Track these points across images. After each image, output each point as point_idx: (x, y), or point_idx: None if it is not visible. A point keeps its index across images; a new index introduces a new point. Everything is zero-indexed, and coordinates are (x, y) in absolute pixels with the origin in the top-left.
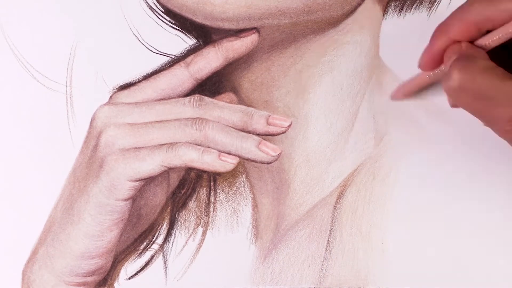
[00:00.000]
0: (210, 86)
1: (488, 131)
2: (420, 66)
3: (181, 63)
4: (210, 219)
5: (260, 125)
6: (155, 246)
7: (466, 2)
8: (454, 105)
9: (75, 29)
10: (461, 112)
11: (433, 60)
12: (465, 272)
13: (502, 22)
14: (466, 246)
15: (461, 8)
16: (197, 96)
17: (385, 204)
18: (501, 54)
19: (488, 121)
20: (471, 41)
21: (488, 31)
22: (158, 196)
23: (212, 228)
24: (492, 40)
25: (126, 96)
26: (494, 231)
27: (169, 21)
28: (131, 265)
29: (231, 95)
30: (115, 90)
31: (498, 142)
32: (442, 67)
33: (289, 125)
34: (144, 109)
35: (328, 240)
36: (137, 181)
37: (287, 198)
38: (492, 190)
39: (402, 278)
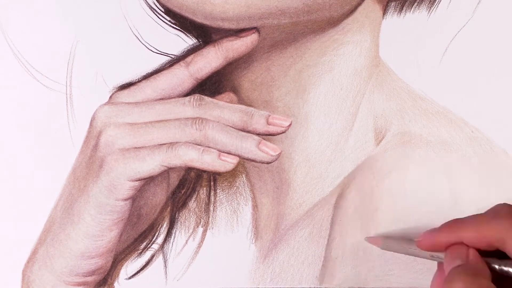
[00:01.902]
0: (210, 86)
1: (487, 125)
2: (419, 244)
3: (181, 62)
4: (210, 219)
5: (260, 125)
6: (155, 246)
7: (488, 212)
8: None
9: (75, 29)
10: (462, 112)
11: (434, 247)
12: None
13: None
14: None
15: (482, 216)
16: (197, 96)
17: (385, 204)
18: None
19: None
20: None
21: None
22: (158, 196)
23: (212, 228)
24: (506, 271)
25: (126, 96)
26: None
27: (169, 21)
28: (131, 265)
29: (231, 95)
30: (115, 90)
31: (497, 137)
32: (442, 255)
33: (289, 125)
34: (144, 109)
35: (328, 240)
36: (137, 181)
37: (287, 198)
38: (493, 189)
39: (402, 278)
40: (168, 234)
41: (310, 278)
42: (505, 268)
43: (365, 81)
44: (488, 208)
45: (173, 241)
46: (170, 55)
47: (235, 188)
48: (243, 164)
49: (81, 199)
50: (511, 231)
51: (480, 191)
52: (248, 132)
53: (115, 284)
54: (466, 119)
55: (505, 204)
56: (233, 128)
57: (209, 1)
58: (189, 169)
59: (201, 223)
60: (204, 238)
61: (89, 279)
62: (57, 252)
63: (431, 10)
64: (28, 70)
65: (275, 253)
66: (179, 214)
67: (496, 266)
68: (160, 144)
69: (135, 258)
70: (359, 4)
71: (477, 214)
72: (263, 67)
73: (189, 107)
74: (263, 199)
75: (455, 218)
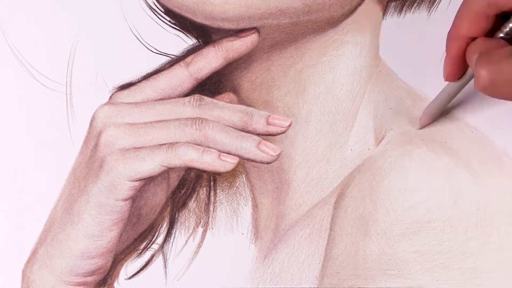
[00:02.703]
0: (210, 86)
1: (487, 125)
2: (446, 78)
3: (181, 63)
4: (210, 219)
5: (260, 125)
6: (155, 246)
7: None
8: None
9: (75, 29)
10: (461, 111)
11: (456, 66)
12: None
13: (506, 1)
14: (469, 245)
15: (462, 4)
16: (197, 96)
17: (385, 204)
18: None
19: None
20: (487, 35)
21: (497, 15)
22: (158, 196)
23: (212, 228)
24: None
25: (126, 96)
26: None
27: (169, 21)
28: (131, 265)
29: (231, 95)
30: (115, 90)
31: (497, 137)
32: (470, 70)
33: (289, 125)
34: (144, 109)
35: (328, 240)
36: (137, 181)
37: (287, 198)
38: (493, 189)
39: (402, 278)
40: (168, 234)
41: (310, 278)
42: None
43: (365, 81)
44: (488, 208)
45: (173, 241)
46: (170, 55)
47: (235, 188)
48: (243, 164)
49: (81, 199)
50: None
51: (480, 191)
52: (248, 132)
53: (115, 284)
54: (466, 119)
55: None
56: (233, 128)
57: (209, 1)
58: (189, 169)
59: (201, 223)
60: (204, 238)
61: (89, 279)
62: (57, 252)
63: (431, 10)
64: (28, 70)
65: (275, 253)
66: (179, 214)
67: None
68: (160, 144)
69: (135, 258)
70: (359, 5)
71: (460, 5)
72: (263, 67)
73: (189, 107)
74: (263, 199)
75: (455, 216)
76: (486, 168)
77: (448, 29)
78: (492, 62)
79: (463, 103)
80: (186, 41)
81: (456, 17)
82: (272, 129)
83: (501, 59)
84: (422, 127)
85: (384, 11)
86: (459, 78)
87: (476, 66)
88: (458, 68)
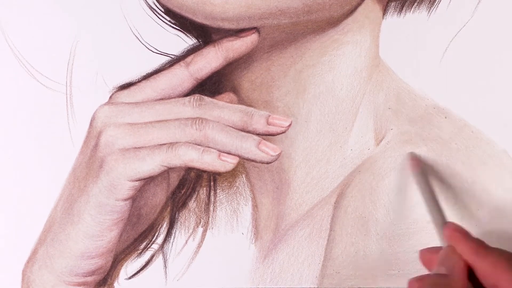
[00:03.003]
0: (210, 86)
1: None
2: (444, 231)
3: (181, 62)
4: (210, 219)
5: (260, 125)
6: (155, 246)
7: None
8: None
9: (75, 29)
10: (461, 111)
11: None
12: None
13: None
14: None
15: (503, 263)
16: (197, 96)
17: (385, 204)
18: None
19: None
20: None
21: None
22: (158, 196)
23: (212, 228)
24: None
25: (126, 96)
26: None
27: (169, 21)
28: (131, 265)
29: (231, 95)
30: (115, 90)
31: (497, 137)
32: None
33: (289, 125)
34: (144, 109)
35: (328, 240)
36: (137, 181)
37: (287, 198)
38: (493, 189)
39: (402, 278)
40: (168, 234)
41: (310, 278)
42: None
43: (365, 81)
44: (488, 208)
45: (173, 241)
46: (170, 55)
47: (235, 188)
48: (243, 164)
49: (81, 199)
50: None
51: (480, 192)
52: (248, 132)
53: (115, 284)
54: (466, 119)
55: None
56: (233, 128)
57: (209, 1)
58: (189, 169)
59: (201, 223)
60: (204, 238)
61: (89, 279)
62: (57, 252)
63: (431, 10)
64: (28, 70)
65: (275, 253)
66: (179, 214)
67: None
68: (160, 144)
69: (135, 258)
70: (359, 4)
71: (504, 252)
72: (263, 67)
73: (189, 107)
74: (263, 199)
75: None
76: (486, 168)
77: (448, 30)
78: None
79: (463, 103)
80: (186, 41)
81: (491, 253)
82: (272, 129)
83: None
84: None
85: (384, 11)
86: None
87: (430, 278)
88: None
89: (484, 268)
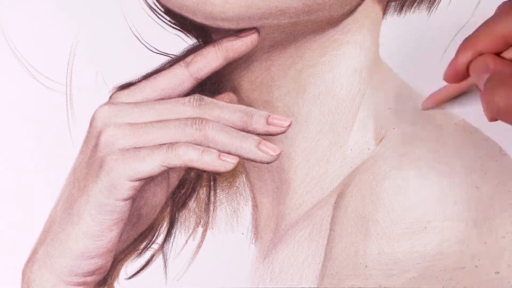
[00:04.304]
0: (210, 86)
1: (487, 125)
2: (445, 79)
3: (181, 62)
4: (210, 219)
5: (260, 125)
6: (155, 246)
7: (494, 15)
8: (492, 118)
9: (75, 29)
10: (461, 111)
11: (458, 73)
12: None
13: None
14: (470, 241)
15: (488, 21)
16: (197, 96)
17: (385, 204)
18: None
19: None
20: (497, 53)
21: None
22: (158, 196)
23: (212, 228)
24: None
25: (126, 96)
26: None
27: (169, 21)
28: (131, 265)
29: (231, 95)
30: (115, 90)
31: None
32: (470, 80)
33: (289, 125)
34: (144, 109)
35: (328, 240)
36: (137, 181)
37: (287, 198)
38: (494, 190)
39: (402, 278)
40: (168, 234)
41: (310, 278)
42: None
43: (365, 81)
44: (487, 208)
45: (173, 241)
46: (170, 55)
47: (235, 188)
48: (243, 164)
49: (81, 199)
50: None
51: (480, 192)
52: (248, 132)
53: (115, 284)
54: (466, 119)
55: (508, 1)
56: (233, 128)
57: (209, 1)
58: (189, 169)
59: (201, 223)
60: (204, 238)
61: (89, 279)
62: (57, 252)
63: (431, 10)
64: (28, 70)
65: (275, 253)
66: (179, 214)
67: None
68: (160, 144)
69: (135, 258)
70: (359, 4)
71: (484, 21)
72: (263, 67)
73: (189, 107)
74: (263, 199)
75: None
76: (486, 168)
77: (448, 30)
78: (509, 86)
79: (462, 103)
80: (186, 41)
81: (478, 30)
82: (272, 129)
83: None
84: (424, 109)
85: (384, 11)
86: (457, 82)
87: (489, 87)
88: (458, 75)
89: None
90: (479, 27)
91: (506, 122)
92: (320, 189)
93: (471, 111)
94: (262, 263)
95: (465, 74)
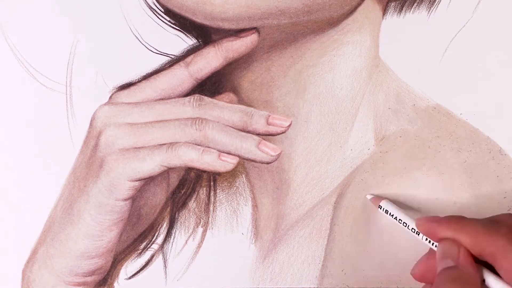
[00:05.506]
0: (210, 86)
1: (486, 125)
2: (417, 224)
3: (181, 63)
4: (210, 219)
5: (260, 125)
6: (155, 246)
7: (495, 222)
8: None
9: (75, 29)
10: (460, 111)
11: (430, 233)
12: None
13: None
14: None
15: (486, 226)
16: (197, 96)
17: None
18: None
19: None
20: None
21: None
22: (158, 196)
23: (212, 228)
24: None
25: (126, 96)
26: None
27: (169, 21)
28: (131, 265)
29: (231, 95)
30: (115, 90)
31: (497, 137)
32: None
33: (289, 125)
34: (144, 109)
35: (327, 240)
36: (137, 181)
37: (287, 198)
38: (493, 190)
39: (402, 278)
40: (168, 234)
41: (310, 278)
42: (489, 282)
43: (365, 81)
44: (487, 208)
45: (173, 241)
46: (170, 55)
47: (235, 188)
48: (243, 164)
49: (81, 199)
50: (505, 250)
51: (480, 192)
52: (248, 132)
53: (115, 284)
54: (466, 119)
55: (510, 215)
56: (233, 128)
57: (209, 1)
58: (189, 169)
59: (201, 223)
60: (204, 238)
61: (89, 279)
62: (57, 252)
63: (431, 10)
64: (28, 70)
65: (275, 253)
66: (179, 214)
67: (484, 277)
68: (160, 144)
69: (135, 258)
70: (359, 4)
71: (480, 220)
72: (263, 67)
73: (189, 107)
74: (263, 199)
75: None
76: (486, 168)
77: (448, 30)
78: None
79: (463, 105)
80: (186, 41)
81: (469, 224)
82: (272, 129)
83: None
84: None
85: (384, 11)
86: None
87: (443, 273)
88: (430, 235)
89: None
90: (474, 221)
91: None
92: (320, 189)
93: (471, 111)
94: (262, 263)
95: (435, 240)
